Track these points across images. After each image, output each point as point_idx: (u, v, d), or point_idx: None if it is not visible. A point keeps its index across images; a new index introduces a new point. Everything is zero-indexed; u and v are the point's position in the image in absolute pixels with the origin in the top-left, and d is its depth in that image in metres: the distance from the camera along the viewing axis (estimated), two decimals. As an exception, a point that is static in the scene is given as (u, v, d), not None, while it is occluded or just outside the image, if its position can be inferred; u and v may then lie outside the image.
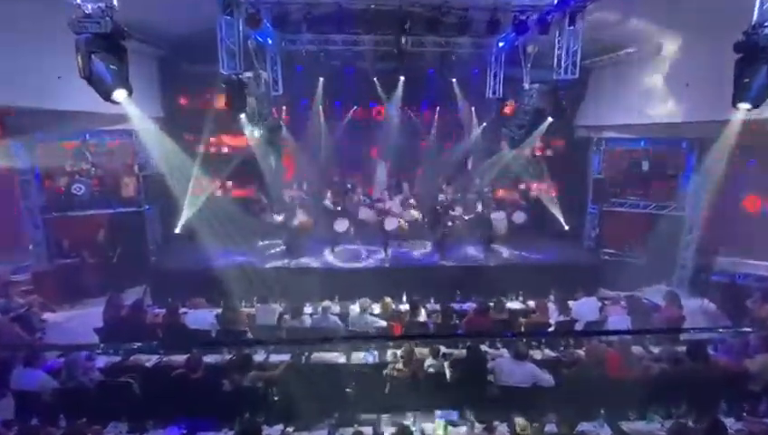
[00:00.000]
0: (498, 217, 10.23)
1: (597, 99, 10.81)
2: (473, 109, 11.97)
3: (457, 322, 6.43)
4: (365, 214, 10.29)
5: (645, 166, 10.88)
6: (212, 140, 10.77)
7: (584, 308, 6.86)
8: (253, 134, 8.90)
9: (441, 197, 10.74)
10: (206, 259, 9.20)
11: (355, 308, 6.73)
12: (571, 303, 6.91)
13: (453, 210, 10.45)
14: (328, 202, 10.46)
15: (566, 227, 11.10)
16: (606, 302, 7.26)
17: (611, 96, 10.28)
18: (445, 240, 9.95)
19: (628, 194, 11.05)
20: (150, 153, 9.91)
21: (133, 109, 6.65)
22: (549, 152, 11.84)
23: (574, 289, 7.52)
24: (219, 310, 6.64)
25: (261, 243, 9.90)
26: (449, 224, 10.07)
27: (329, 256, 9.77)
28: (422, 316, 6.55)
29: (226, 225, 9.37)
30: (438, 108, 12.47)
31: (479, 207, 10.65)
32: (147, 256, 10.36)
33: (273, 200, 10.23)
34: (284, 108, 11.31)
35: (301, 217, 9.59)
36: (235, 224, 9.45)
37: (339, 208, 10.21)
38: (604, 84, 10.49)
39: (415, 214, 10.53)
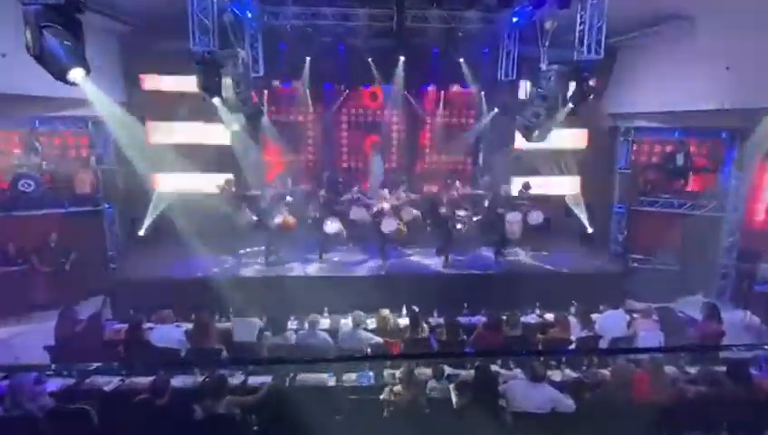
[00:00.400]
0: (512, 219, 10.13)
1: (624, 83, 10.87)
2: (483, 93, 11.99)
3: (465, 338, 6.45)
4: (358, 214, 10.27)
5: (679, 159, 10.94)
6: (183, 128, 10.66)
7: (610, 322, 6.91)
8: (229, 122, 8.94)
9: (446, 194, 10.72)
10: (176, 266, 9.26)
11: (347, 323, 6.73)
12: (594, 316, 6.97)
13: (460, 210, 10.45)
14: (318, 200, 10.47)
15: (589, 230, 11.13)
16: (635, 315, 7.30)
17: (641, 80, 10.38)
18: (451, 244, 9.98)
19: (660, 191, 11.14)
20: (110, 144, 9.87)
21: (92, 90, 6.58)
22: (569, 144, 11.74)
23: (598, 300, 7.60)
24: (190, 325, 6.60)
25: (239, 247, 9.94)
26: (456, 226, 10.08)
27: (317, 263, 9.84)
28: (424, 332, 6.58)
29: (199, 226, 9.36)
30: (443, 92, 12.53)
31: (490, 207, 10.64)
32: (106, 263, 10.40)
33: (250, 198, 10.25)
34: (265, 92, 11.30)
35: (284, 216, 9.51)
36: (210, 225, 9.42)
37: (329, 207, 10.24)
38: (633, 66, 10.53)
39: (415, 214, 10.49)
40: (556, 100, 8.63)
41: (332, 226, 9.76)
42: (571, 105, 8.78)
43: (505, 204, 10.53)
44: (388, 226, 9.55)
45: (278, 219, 9.48)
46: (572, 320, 6.79)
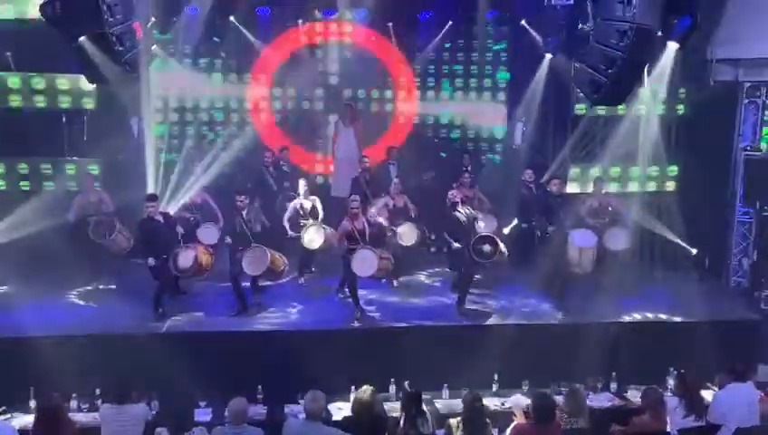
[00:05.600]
0: (582, 241, 8.67)
1: (751, 11, 9.33)
2: (525, 23, 10.39)
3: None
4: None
5: None
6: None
7: (732, 402, 6.03)
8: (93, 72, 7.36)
9: (456, 195, 8.95)
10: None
11: (296, 411, 6.27)
12: (707, 393, 6.47)
13: (484, 222, 8.93)
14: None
15: (692, 250, 9.55)
16: (772, 391, 7.20)
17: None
18: (471, 281, 8.73)
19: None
20: None
21: None
22: (661, 110, 9.98)
23: (712, 367, 6.84)
24: (28, 417, 6.12)
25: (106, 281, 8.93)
26: (482, 248, 8.28)
27: (248, 312, 8.29)
28: (427, 425, 5.67)
29: (41, 253, 8.43)
30: (451, 23, 11.03)
31: (538, 220, 9.25)
32: None
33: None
34: (153, 20, 9.53)
35: (195, 251, 8.03)
36: (61, 254, 8.33)
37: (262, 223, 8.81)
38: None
39: (410, 232, 8.95)
40: (641, 38, 6.37)
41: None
42: (674, 45, 7.43)
43: (564, 214, 9.09)
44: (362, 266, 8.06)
45: (184, 259, 7.97)
46: (671, 401, 6.08)
